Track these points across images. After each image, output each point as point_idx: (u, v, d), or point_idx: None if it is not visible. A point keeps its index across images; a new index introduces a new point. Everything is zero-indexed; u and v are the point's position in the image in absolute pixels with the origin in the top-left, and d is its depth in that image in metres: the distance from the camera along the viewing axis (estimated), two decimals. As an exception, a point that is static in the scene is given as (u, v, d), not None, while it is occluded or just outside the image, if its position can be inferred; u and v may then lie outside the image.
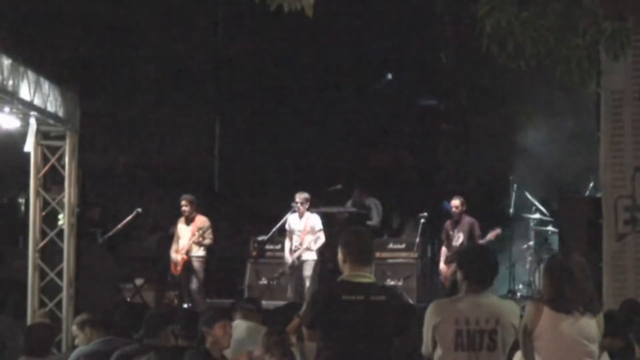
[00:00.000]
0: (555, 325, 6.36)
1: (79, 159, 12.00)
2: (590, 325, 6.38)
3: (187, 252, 15.14)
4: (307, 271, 15.27)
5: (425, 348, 6.56)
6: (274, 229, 16.05)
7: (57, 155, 11.80)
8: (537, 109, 17.55)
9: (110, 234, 16.35)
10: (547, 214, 16.38)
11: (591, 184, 15.58)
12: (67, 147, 11.76)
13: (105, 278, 15.52)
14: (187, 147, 19.68)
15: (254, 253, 16.57)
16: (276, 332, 8.01)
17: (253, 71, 19.72)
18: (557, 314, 6.36)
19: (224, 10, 19.72)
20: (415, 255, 16.33)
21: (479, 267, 6.54)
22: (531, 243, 16.50)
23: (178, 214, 15.53)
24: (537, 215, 16.54)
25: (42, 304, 11.67)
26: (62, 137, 11.79)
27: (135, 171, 19.27)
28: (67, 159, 11.76)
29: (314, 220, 15.48)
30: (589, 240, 12.87)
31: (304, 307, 6.62)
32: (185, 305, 15.07)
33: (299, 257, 15.30)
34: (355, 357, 6.31)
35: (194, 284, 15.14)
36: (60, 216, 12.08)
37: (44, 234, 11.85)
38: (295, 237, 15.42)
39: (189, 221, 15.31)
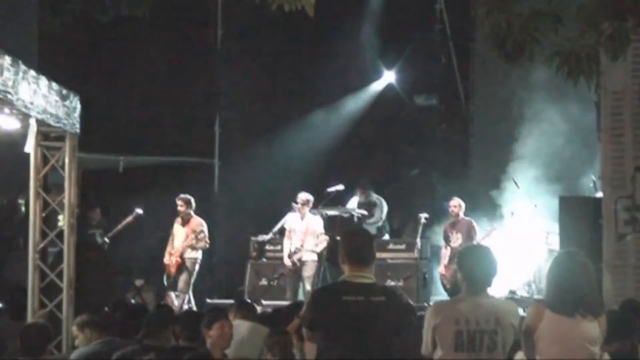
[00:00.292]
0: (557, 327, 6.36)
1: (78, 160, 11.99)
2: (592, 327, 6.38)
3: (181, 255, 15.11)
4: (307, 272, 15.28)
5: (425, 348, 6.56)
6: (274, 230, 16.06)
7: (57, 156, 11.79)
8: (538, 108, 17.54)
9: (110, 234, 16.37)
10: (547, 214, 16.36)
11: (591, 184, 15.57)
12: (67, 148, 11.75)
13: (105, 279, 15.54)
14: (187, 147, 19.65)
15: (254, 253, 16.57)
16: (278, 333, 8.01)
17: (254, 70, 19.70)
18: (558, 316, 6.36)
19: (223, 10, 19.70)
20: (416, 255, 16.34)
21: (478, 267, 6.54)
22: (531, 243, 16.49)
23: (177, 214, 15.52)
24: (537, 215, 16.53)
25: (42, 305, 11.64)
26: (62, 138, 11.77)
27: (136, 172, 19.26)
28: (67, 160, 11.75)
29: (315, 222, 15.48)
30: (589, 241, 12.87)
31: (304, 307, 6.62)
32: (186, 306, 15.07)
33: (299, 259, 15.30)
34: (355, 358, 6.30)
35: (181, 282, 15.12)
36: (60, 217, 12.07)
37: (44, 235, 11.83)
38: (295, 238, 15.41)
39: (184, 222, 15.28)
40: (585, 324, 6.36)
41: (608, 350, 7.00)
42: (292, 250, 15.41)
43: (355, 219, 16.77)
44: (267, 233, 16.32)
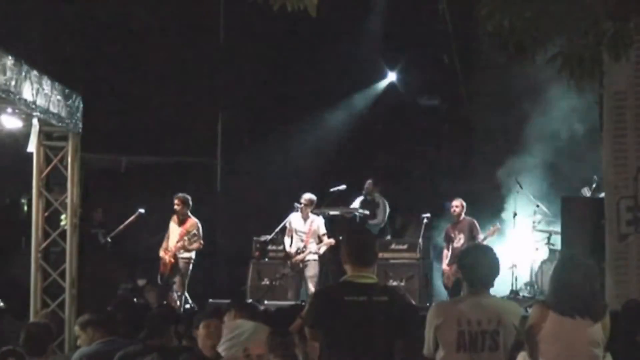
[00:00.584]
0: (560, 328, 6.35)
1: (81, 160, 12.00)
2: (595, 329, 6.37)
3: (174, 255, 15.09)
4: (309, 271, 15.28)
5: (427, 349, 6.56)
6: (277, 229, 16.05)
7: (59, 156, 11.79)
8: (540, 108, 17.54)
9: (112, 234, 16.37)
10: (550, 214, 16.36)
11: (594, 185, 15.57)
12: (70, 147, 11.76)
13: (107, 278, 15.55)
14: (189, 147, 19.67)
15: (256, 253, 16.56)
16: (280, 333, 8.00)
17: (256, 70, 19.71)
18: (561, 318, 6.35)
19: (226, 9, 19.71)
20: (418, 255, 16.33)
21: (479, 267, 6.54)
22: (534, 243, 16.48)
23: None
24: (539, 216, 16.52)
25: (44, 305, 11.66)
26: (64, 138, 11.78)
27: (138, 172, 19.27)
28: (69, 159, 11.76)
29: (318, 223, 15.48)
30: (591, 241, 12.87)
31: (306, 307, 6.62)
32: (188, 306, 15.08)
33: (302, 260, 15.31)
34: (357, 358, 6.30)
35: (175, 284, 15.11)
36: (63, 217, 12.08)
37: (46, 235, 11.84)
38: (296, 238, 15.41)
39: (180, 222, 15.26)
40: (588, 326, 6.35)
41: (611, 351, 7.00)
42: (294, 250, 15.40)
43: (358, 219, 16.76)
44: (269, 233, 16.31)
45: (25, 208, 16.58)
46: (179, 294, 15.09)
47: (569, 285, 6.40)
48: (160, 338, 8.43)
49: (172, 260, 15.08)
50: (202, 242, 15.20)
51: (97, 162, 17.41)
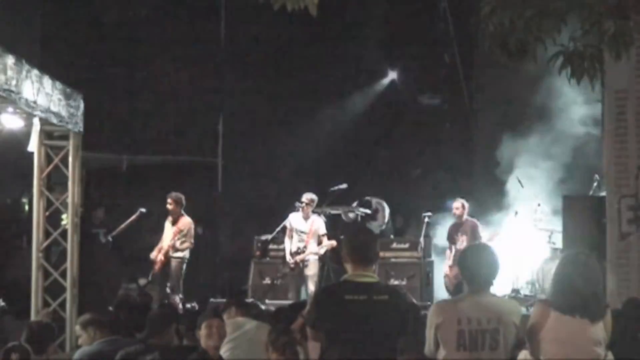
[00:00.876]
0: (562, 327, 6.35)
1: (82, 159, 12.00)
2: (597, 328, 6.37)
3: (166, 254, 15.07)
4: (309, 271, 15.27)
5: (428, 348, 6.56)
6: (278, 229, 16.04)
7: (60, 155, 11.80)
8: (541, 107, 17.54)
9: (114, 233, 16.37)
10: (551, 213, 16.35)
11: (595, 183, 15.56)
12: (71, 147, 11.77)
13: (108, 278, 15.55)
14: (190, 146, 19.68)
15: (258, 253, 16.56)
16: (284, 332, 7.99)
17: (257, 69, 19.73)
18: (563, 317, 6.35)
19: (227, 9, 19.72)
20: (419, 254, 16.33)
21: (480, 266, 6.54)
22: (535, 242, 16.47)
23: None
24: (540, 215, 16.51)
25: (45, 304, 11.67)
26: (65, 137, 11.79)
27: (139, 171, 19.28)
28: (70, 158, 11.77)
29: (318, 223, 15.46)
30: (592, 240, 12.86)
31: (307, 307, 6.62)
32: (189, 305, 15.07)
33: (302, 260, 15.30)
34: (359, 357, 6.30)
35: (170, 284, 15.10)
36: (64, 216, 12.09)
37: (47, 234, 11.85)
38: (297, 238, 15.40)
39: (173, 221, 15.24)
40: (590, 325, 6.36)
41: (612, 349, 6.99)
42: (294, 250, 15.39)
43: (359, 219, 16.76)
44: (270, 232, 16.31)
45: (27, 207, 16.59)
46: (177, 294, 15.06)
47: (572, 284, 6.40)
48: (161, 337, 8.44)
49: (163, 258, 15.05)
50: (192, 241, 15.15)
51: (98, 162, 17.41)
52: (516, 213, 16.63)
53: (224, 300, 15.34)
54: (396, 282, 15.81)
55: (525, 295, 15.71)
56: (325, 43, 19.42)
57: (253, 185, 18.92)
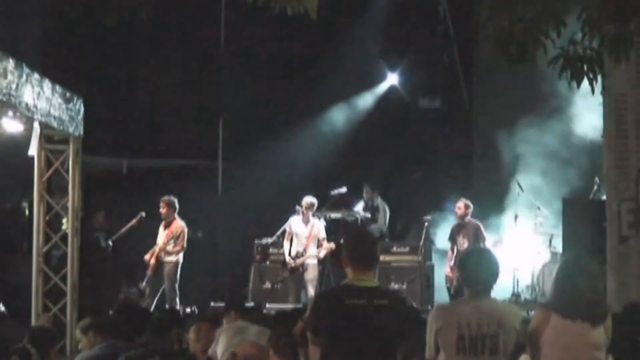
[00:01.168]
0: (562, 331, 6.35)
1: (82, 163, 12.01)
2: (598, 332, 6.37)
3: (158, 257, 15.06)
4: (309, 275, 15.28)
5: (428, 353, 6.55)
6: (278, 232, 16.05)
7: (60, 159, 11.81)
8: (541, 110, 17.53)
9: (114, 237, 16.36)
10: (551, 217, 16.35)
11: (595, 187, 15.56)
12: (71, 151, 11.78)
13: (109, 282, 15.54)
14: (191, 150, 19.67)
15: (258, 256, 16.55)
16: (285, 334, 7.98)
17: (257, 73, 19.72)
18: (564, 320, 6.35)
19: (227, 12, 19.71)
20: (419, 258, 16.31)
21: (480, 270, 6.53)
22: (535, 246, 16.47)
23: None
24: (540, 218, 16.51)
25: (46, 308, 11.67)
26: (65, 141, 11.80)
27: (139, 175, 19.27)
28: (70, 163, 11.77)
29: (318, 227, 15.47)
30: (592, 243, 12.85)
31: (307, 311, 6.61)
32: (189, 310, 15.06)
33: (302, 263, 15.30)
34: (358, 361, 6.30)
35: (166, 289, 15.08)
36: (64, 220, 12.10)
37: (47, 238, 11.85)
38: (296, 241, 15.41)
39: (166, 225, 15.24)
40: (591, 329, 6.35)
41: (611, 353, 6.99)
42: (294, 254, 15.40)
43: (359, 222, 16.75)
44: (271, 236, 16.31)
45: (27, 212, 16.57)
46: (172, 299, 15.04)
47: (573, 288, 6.40)
48: (161, 342, 8.42)
49: (155, 261, 15.05)
50: (184, 245, 15.14)
51: (98, 166, 17.41)
52: (516, 217, 16.63)
53: (224, 304, 15.37)
54: (396, 286, 15.81)
55: (526, 300, 15.70)
56: (325, 47, 19.41)
57: (253, 189, 18.90)
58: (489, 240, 15.64)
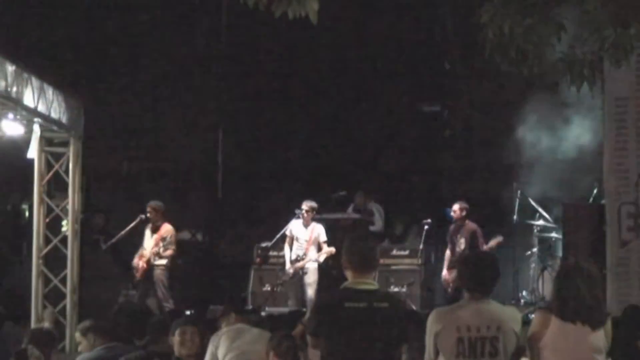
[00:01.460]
0: (562, 335, 6.35)
1: (82, 166, 12.01)
2: (598, 336, 6.36)
3: (148, 261, 15.05)
4: (309, 278, 15.27)
5: (427, 356, 6.55)
6: (278, 236, 16.03)
7: (60, 162, 11.81)
8: (541, 114, 17.52)
9: (114, 240, 16.35)
10: (551, 221, 16.34)
11: (595, 191, 15.55)
12: (71, 153, 11.79)
13: (109, 284, 15.53)
14: (190, 153, 19.67)
15: (258, 259, 16.54)
16: (286, 337, 7.97)
17: (257, 77, 19.72)
18: (564, 324, 6.35)
19: (227, 15, 19.72)
20: (419, 261, 16.30)
21: (479, 274, 6.53)
22: (535, 250, 16.46)
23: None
24: (540, 222, 16.50)
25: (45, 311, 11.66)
26: (65, 144, 11.81)
27: (139, 178, 19.28)
28: (70, 165, 11.78)
29: (319, 230, 15.46)
30: (592, 247, 12.86)
31: (307, 314, 6.61)
32: (188, 312, 15.05)
33: (302, 267, 15.30)
34: (358, 364, 6.30)
35: (159, 293, 15.04)
36: (64, 222, 12.10)
37: (47, 241, 11.86)
38: (297, 245, 15.40)
39: (154, 229, 15.21)
40: (591, 333, 6.35)
41: (611, 357, 6.99)
42: (294, 257, 15.40)
43: (359, 225, 16.74)
44: (270, 239, 16.30)
45: (27, 214, 16.58)
46: (167, 302, 15.03)
47: (575, 291, 6.39)
48: (161, 344, 8.42)
49: (145, 266, 15.02)
50: (174, 247, 15.13)
51: (98, 168, 17.41)
52: (516, 220, 16.61)
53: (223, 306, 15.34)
54: (396, 289, 15.79)
55: (525, 303, 15.69)
56: (325, 50, 19.42)
57: (253, 192, 18.91)
58: (487, 243, 15.63)
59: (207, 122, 19.90)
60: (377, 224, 17.19)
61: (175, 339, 7.98)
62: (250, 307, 14.74)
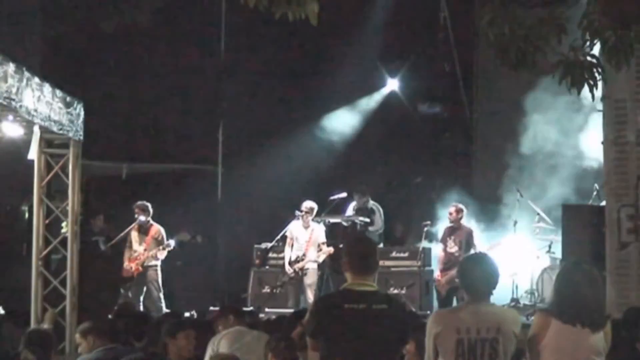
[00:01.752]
0: (563, 337, 6.35)
1: (82, 167, 12.01)
2: (598, 338, 6.37)
3: (142, 264, 15.04)
4: (308, 279, 15.28)
5: (427, 357, 6.55)
6: (278, 237, 16.05)
7: (60, 163, 11.81)
8: (541, 116, 17.53)
9: (113, 242, 16.35)
10: (551, 222, 16.35)
11: (594, 193, 15.56)
12: (71, 155, 11.77)
13: (108, 286, 15.53)
14: (190, 154, 19.67)
15: (257, 261, 16.55)
16: (285, 339, 7.98)
17: (256, 78, 19.72)
18: (564, 326, 6.35)
19: (227, 17, 19.73)
20: (419, 263, 16.30)
21: (479, 276, 6.53)
22: (534, 251, 16.47)
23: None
24: (540, 224, 16.51)
25: (45, 312, 11.65)
26: (65, 145, 11.80)
27: (139, 179, 19.27)
28: (70, 166, 11.77)
29: (318, 231, 15.47)
30: (592, 249, 12.86)
31: (307, 316, 6.61)
32: (188, 314, 15.05)
33: (301, 268, 15.30)
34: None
35: (154, 294, 15.05)
36: (64, 224, 12.09)
37: (47, 242, 11.85)
38: (297, 246, 15.41)
39: (143, 230, 15.21)
40: (591, 335, 6.35)
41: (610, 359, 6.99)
42: (294, 258, 15.40)
43: (358, 227, 16.74)
44: (270, 241, 16.31)
45: (26, 215, 16.58)
46: (160, 303, 15.02)
47: (573, 294, 6.40)
48: (160, 346, 8.42)
49: (140, 269, 15.03)
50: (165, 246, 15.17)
51: (98, 170, 17.41)
52: (515, 222, 16.62)
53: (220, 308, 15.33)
54: (395, 291, 15.79)
55: (525, 305, 15.69)
56: (324, 52, 19.42)
57: (253, 193, 18.90)
58: (484, 245, 15.64)
59: (207, 123, 19.90)
60: (377, 224, 17.16)
61: (180, 341, 7.98)
62: (250, 308, 14.76)
